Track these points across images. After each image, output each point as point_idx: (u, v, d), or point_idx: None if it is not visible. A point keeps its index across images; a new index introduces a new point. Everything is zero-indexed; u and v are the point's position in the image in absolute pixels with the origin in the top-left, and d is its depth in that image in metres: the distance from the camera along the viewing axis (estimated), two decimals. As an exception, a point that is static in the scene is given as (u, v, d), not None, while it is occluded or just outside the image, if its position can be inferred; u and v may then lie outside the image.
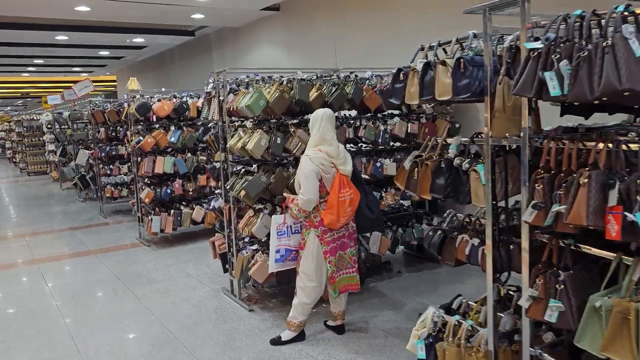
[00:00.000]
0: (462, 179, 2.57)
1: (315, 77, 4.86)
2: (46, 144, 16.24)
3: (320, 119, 3.93)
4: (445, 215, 3.19)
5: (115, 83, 20.03)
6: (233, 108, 4.62)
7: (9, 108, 42.08)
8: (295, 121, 4.76)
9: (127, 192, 9.73)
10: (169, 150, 7.38)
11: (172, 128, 7.25)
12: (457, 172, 2.61)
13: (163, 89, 7.44)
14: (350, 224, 4.07)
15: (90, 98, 11.95)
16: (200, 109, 7.05)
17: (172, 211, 7.26)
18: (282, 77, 4.71)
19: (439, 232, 3.00)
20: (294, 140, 4.60)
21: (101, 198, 9.90)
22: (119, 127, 9.63)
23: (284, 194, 4.19)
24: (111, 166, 9.66)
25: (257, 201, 4.65)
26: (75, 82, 15.41)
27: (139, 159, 7.30)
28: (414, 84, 2.62)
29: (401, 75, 2.80)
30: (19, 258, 7.15)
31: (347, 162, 4.00)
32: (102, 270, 6.39)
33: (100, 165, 9.71)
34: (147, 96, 7.40)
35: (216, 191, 5.40)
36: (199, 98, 7.45)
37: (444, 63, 2.47)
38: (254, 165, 4.54)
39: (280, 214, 4.41)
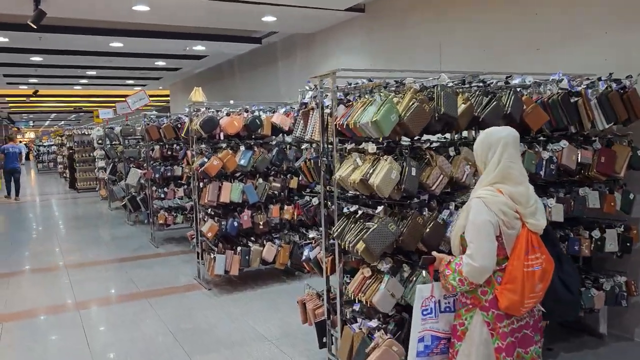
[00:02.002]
0: None
1: (460, 82, 3.48)
2: (96, 160, 15.49)
3: (503, 144, 2.54)
4: None
5: (168, 98, 19.26)
6: (347, 124, 3.29)
7: (62, 122, 42.74)
8: (435, 144, 3.39)
9: (183, 218, 8.58)
10: (237, 174, 6.14)
11: (242, 148, 6.01)
12: None
13: (231, 102, 6.24)
14: (537, 308, 2.65)
15: (145, 112, 11.03)
16: (278, 126, 5.83)
17: (239, 248, 5.98)
18: (415, 81, 3.35)
19: None
20: (433, 172, 3.22)
21: (153, 224, 8.77)
22: (175, 145, 8.54)
23: (434, 254, 2.80)
24: (165, 189, 8.53)
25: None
26: (118, 101, 14.67)
27: (201, 184, 6.08)
28: None
29: None
30: (59, 299, 6.01)
31: (540, 212, 2.59)
32: (154, 322, 5.14)
33: (154, 188, 8.60)
34: (212, 110, 6.19)
35: (310, 235, 4.06)
36: (273, 113, 6.22)
37: None
38: (380, 208, 3.17)
39: (423, 278, 3.06)
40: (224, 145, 6.06)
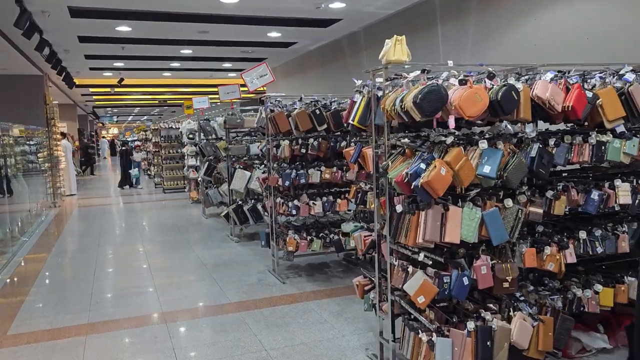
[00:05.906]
0: None
1: None
2: (186, 157, 13.41)
3: None
4: None
5: (263, 88, 16.98)
6: None
7: (145, 117, 42.25)
8: None
9: (320, 244, 6.02)
10: (471, 191, 3.44)
11: (482, 144, 3.30)
12: None
13: (450, 62, 3.55)
14: None
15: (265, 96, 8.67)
16: (547, 103, 3.07)
17: (470, 325, 3.30)
18: None
19: None
20: None
21: (278, 248, 6.28)
22: (312, 140, 6.00)
23: None
24: (297, 201, 6.01)
25: None
26: (220, 85, 12.46)
27: (399, 206, 3.44)
28: None
29: None
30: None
31: None
32: None
33: (279, 200, 6.10)
34: (425, 75, 3.53)
35: None
36: (531, 80, 3.48)
37: None
38: None
39: None
40: (447, 139, 3.37)
